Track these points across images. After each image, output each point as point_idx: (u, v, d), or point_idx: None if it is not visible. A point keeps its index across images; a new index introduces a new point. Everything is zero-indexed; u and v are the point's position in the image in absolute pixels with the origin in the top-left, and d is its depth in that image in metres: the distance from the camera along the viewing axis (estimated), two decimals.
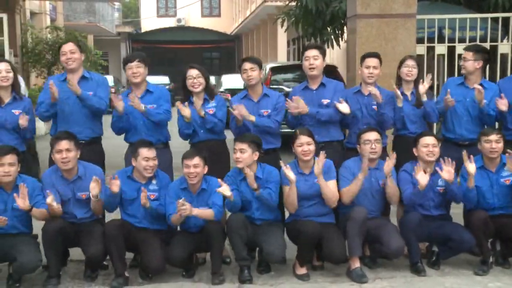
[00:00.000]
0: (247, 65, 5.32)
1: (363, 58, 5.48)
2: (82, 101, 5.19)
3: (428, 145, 5.02)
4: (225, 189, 4.74)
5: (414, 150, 5.09)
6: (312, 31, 11.11)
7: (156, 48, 36.94)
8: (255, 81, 5.34)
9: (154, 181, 4.98)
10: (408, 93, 5.46)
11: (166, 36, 36.59)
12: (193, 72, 5.29)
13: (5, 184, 4.72)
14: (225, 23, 38.47)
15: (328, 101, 5.33)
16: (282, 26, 12.53)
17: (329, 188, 4.93)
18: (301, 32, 11.63)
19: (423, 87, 5.35)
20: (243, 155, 4.89)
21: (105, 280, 4.85)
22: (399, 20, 7.21)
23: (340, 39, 11.33)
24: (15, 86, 5.24)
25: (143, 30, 39.28)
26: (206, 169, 4.90)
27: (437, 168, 5.00)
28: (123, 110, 5.17)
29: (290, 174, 4.82)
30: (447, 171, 4.87)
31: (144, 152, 4.87)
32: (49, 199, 4.61)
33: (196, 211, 4.73)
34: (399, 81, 5.50)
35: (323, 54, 5.40)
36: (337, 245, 4.86)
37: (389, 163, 4.97)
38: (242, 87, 14.45)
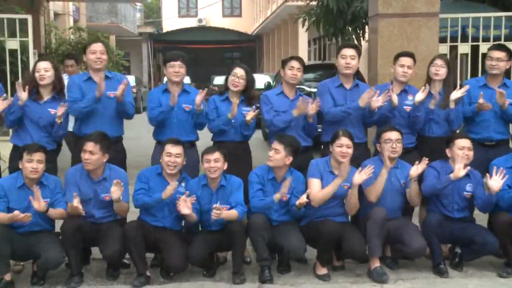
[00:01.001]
0: (295, 64, 5.34)
1: (397, 56, 5.46)
2: (122, 105, 5.29)
3: (464, 148, 4.95)
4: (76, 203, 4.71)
5: (447, 150, 5.03)
6: (333, 31, 11.08)
7: (177, 48, 37.04)
8: (297, 81, 5.39)
9: (183, 184, 4.98)
10: (435, 93, 5.41)
11: (187, 36, 36.75)
12: (238, 71, 5.31)
13: (29, 182, 4.78)
14: (246, 23, 38.54)
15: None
16: (303, 25, 12.51)
17: (357, 198, 4.92)
18: (322, 32, 11.60)
19: (456, 94, 5.28)
20: (276, 156, 4.90)
21: (126, 278, 4.89)
22: (422, 19, 7.15)
23: (361, 38, 11.27)
24: (56, 86, 5.29)
25: (164, 31, 39.49)
26: (225, 165, 4.91)
27: (467, 172, 4.93)
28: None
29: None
30: (497, 181, 4.78)
31: (168, 147, 4.90)
32: (76, 202, 4.66)
33: (223, 214, 4.74)
34: (429, 80, 5.44)
35: (359, 55, 5.40)
36: (357, 241, 4.85)
37: (418, 168, 4.91)
38: (262, 87, 14.54)
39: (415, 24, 7.14)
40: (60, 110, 5.15)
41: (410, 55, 5.46)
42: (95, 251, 5.13)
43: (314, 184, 4.94)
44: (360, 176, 4.81)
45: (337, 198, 4.96)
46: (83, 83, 5.33)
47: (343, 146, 4.92)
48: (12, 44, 8.40)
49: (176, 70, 5.31)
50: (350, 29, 11.04)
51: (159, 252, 5.00)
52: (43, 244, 4.68)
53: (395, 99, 5.24)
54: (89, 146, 4.84)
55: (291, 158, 4.93)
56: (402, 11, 7.14)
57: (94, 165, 4.87)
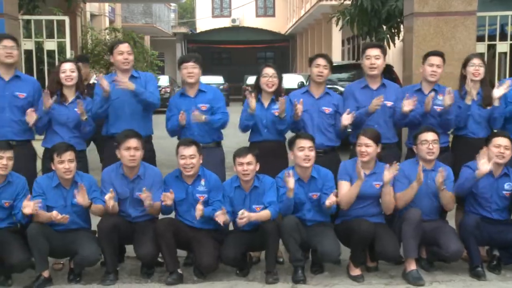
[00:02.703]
0: (321, 61, 5.32)
1: (426, 56, 5.39)
2: (136, 96, 5.26)
3: (500, 146, 4.86)
4: (108, 198, 4.74)
5: (484, 149, 4.95)
6: (368, 30, 10.98)
7: (211, 48, 37.33)
8: (323, 79, 5.36)
9: (202, 182, 5.00)
10: (474, 92, 5.31)
11: (220, 36, 36.91)
12: (269, 71, 5.31)
13: (64, 181, 4.86)
14: (279, 23, 38.54)
15: (392, 103, 5.27)
16: (336, 25, 12.43)
17: (391, 196, 4.87)
18: (356, 31, 11.51)
19: (499, 91, 5.19)
20: (312, 153, 4.89)
21: (161, 276, 4.93)
22: (458, 18, 7.04)
23: (396, 38, 11.16)
24: (79, 86, 5.36)
25: (198, 31, 39.75)
26: (258, 167, 4.91)
27: (505, 170, 4.86)
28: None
29: (362, 172, 4.77)
30: None
31: (181, 150, 4.93)
32: (107, 196, 4.72)
33: (255, 216, 4.75)
34: (463, 80, 5.35)
35: (385, 53, 5.35)
36: (390, 242, 4.81)
37: (439, 177, 4.80)
38: (296, 86, 14.52)
39: (451, 23, 7.04)
40: (80, 108, 5.17)
41: (439, 54, 5.38)
42: (130, 249, 5.19)
43: (343, 186, 4.93)
44: (389, 174, 4.76)
45: (369, 198, 4.92)
46: (110, 84, 5.33)
47: (361, 146, 4.89)
48: (50, 45, 8.54)
49: (189, 71, 5.31)
50: (384, 28, 10.93)
51: (191, 251, 5.04)
52: (79, 242, 4.75)
53: (428, 105, 5.16)
54: (133, 142, 4.87)
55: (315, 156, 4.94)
56: (438, 10, 7.05)
57: (139, 162, 4.91)
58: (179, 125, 5.29)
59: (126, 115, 5.33)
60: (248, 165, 4.85)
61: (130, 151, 4.86)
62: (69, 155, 4.80)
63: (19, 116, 5.28)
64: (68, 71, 5.27)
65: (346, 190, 4.89)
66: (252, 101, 5.18)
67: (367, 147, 4.88)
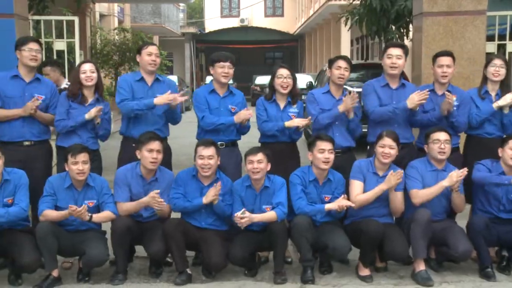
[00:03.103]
0: (342, 63, 5.29)
1: (436, 57, 5.35)
2: (173, 113, 5.37)
3: None
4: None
5: (499, 150, 4.92)
6: (376, 30, 10.95)
7: (220, 48, 37.24)
8: (344, 82, 5.35)
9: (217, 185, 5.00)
10: (493, 93, 5.28)
11: (229, 36, 36.92)
12: (284, 72, 5.29)
13: (76, 182, 4.87)
14: (288, 23, 38.51)
15: None
16: (345, 25, 12.42)
17: (399, 200, 4.86)
18: (365, 31, 11.48)
19: (498, 103, 5.17)
20: (332, 156, 4.89)
21: (169, 276, 4.94)
22: (468, 18, 7.00)
23: (405, 37, 11.12)
24: (98, 87, 5.37)
25: (207, 31, 39.80)
26: (269, 166, 4.91)
27: None
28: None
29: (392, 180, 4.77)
30: None
31: (200, 150, 4.93)
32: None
33: (258, 217, 4.75)
34: (485, 80, 5.32)
35: (406, 54, 5.31)
36: (399, 242, 4.80)
37: (453, 177, 4.76)
38: (304, 86, 14.50)
39: (461, 22, 7.00)
40: (94, 112, 5.17)
41: (449, 54, 5.34)
42: (139, 249, 5.21)
43: (356, 186, 4.91)
44: (393, 180, 4.75)
45: (380, 199, 4.91)
46: (135, 83, 5.37)
47: (385, 147, 4.87)
48: (59, 45, 8.57)
49: (226, 71, 5.31)
50: (393, 28, 10.90)
51: (200, 251, 5.04)
52: (88, 242, 4.77)
53: (445, 108, 5.13)
54: (156, 145, 4.88)
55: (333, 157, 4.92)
56: (448, 9, 7.00)
57: (159, 164, 4.93)
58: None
59: (147, 116, 5.32)
60: (259, 163, 4.84)
61: (152, 153, 4.88)
62: (83, 156, 4.81)
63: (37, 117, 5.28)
64: (88, 71, 5.28)
65: (359, 190, 4.88)
66: (293, 122, 5.21)
67: (391, 148, 4.87)
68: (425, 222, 4.74)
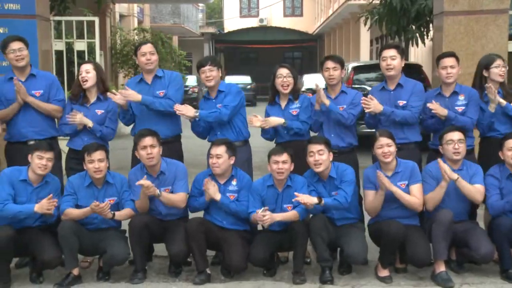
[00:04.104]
0: (329, 64, 5.29)
1: (438, 59, 5.32)
2: (146, 106, 5.25)
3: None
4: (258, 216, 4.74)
5: (499, 153, 4.88)
6: (396, 29, 10.90)
7: (239, 48, 37.39)
8: (336, 81, 5.32)
9: (234, 182, 5.02)
10: (499, 100, 5.21)
11: (248, 36, 36.95)
12: (283, 71, 5.30)
13: (96, 180, 4.91)
14: (307, 23, 38.43)
15: (404, 102, 5.20)
16: (365, 24, 12.38)
17: (407, 197, 4.82)
18: (384, 31, 11.43)
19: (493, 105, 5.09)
20: (322, 157, 4.86)
21: (188, 276, 4.95)
22: (490, 17, 6.93)
23: (425, 37, 11.04)
24: (100, 87, 5.34)
25: (226, 31, 39.86)
26: (292, 166, 4.90)
27: None
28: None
29: (385, 180, 4.73)
30: None
31: (211, 149, 4.96)
32: (142, 181, 4.71)
33: (280, 217, 4.74)
34: (485, 82, 5.23)
35: (401, 53, 5.27)
36: (421, 247, 4.75)
37: (442, 166, 4.72)
38: (323, 86, 14.45)
39: (482, 21, 6.93)
40: (76, 117, 5.14)
41: (451, 54, 5.29)
42: (158, 249, 5.23)
43: (369, 196, 4.92)
44: (384, 179, 4.72)
45: (396, 200, 4.85)
46: (136, 85, 5.39)
47: (383, 147, 4.85)
48: (80, 45, 8.66)
49: (207, 74, 5.27)
50: (413, 27, 10.83)
51: (220, 251, 5.05)
52: (109, 241, 4.80)
53: (443, 112, 5.10)
54: (148, 140, 4.89)
55: (332, 155, 4.93)
56: (469, 8, 6.94)
57: (157, 159, 4.94)
58: (195, 124, 5.32)
59: (151, 116, 5.32)
60: (284, 163, 4.84)
61: (146, 150, 4.88)
62: (99, 154, 4.84)
63: (38, 114, 5.30)
64: (83, 72, 5.28)
65: (372, 199, 4.88)
66: (255, 121, 5.26)
67: (389, 146, 4.85)
68: (447, 223, 4.70)
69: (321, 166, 4.86)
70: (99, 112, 5.30)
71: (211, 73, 5.28)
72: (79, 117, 5.16)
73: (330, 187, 4.95)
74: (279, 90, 5.32)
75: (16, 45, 5.22)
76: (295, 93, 5.36)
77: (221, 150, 4.92)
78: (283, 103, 5.34)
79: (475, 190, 4.82)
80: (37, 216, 4.79)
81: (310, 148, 4.89)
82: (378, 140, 4.88)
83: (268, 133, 5.38)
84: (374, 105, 5.10)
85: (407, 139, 5.20)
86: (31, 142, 5.21)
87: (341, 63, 5.32)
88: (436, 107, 5.08)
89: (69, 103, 5.36)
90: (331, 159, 4.92)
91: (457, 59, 5.27)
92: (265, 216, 4.67)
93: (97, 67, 5.40)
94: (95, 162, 4.83)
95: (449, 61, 5.23)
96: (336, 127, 5.24)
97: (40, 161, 4.77)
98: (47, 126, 5.36)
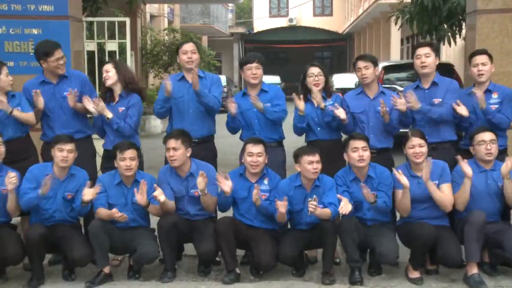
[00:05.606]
0: (360, 64, 5.28)
1: (471, 57, 5.25)
2: (199, 96, 5.27)
3: None
4: (158, 194, 4.75)
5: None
6: (428, 29, 10.75)
7: (268, 48, 37.34)
8: (370, 80, 5.28)
9: (266, 181, 5.02)
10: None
11: (277, 36, 36.94)
12: (314, 70, 5.31)
13: (126, 179, 4.96)
14: (337, 22, 38.24)
15: (440, 100, 5.15)
16: (395, 24, 12.22)
17: (440, 193, 4.78)
18: (415, 30, 11.29)
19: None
20: (366, 153, 4.86)
21: (217, 275, 4.97)
22: None
23: (457, 36, 10.88)
24: (122, 85, 5.31)
25: (255, 31, 39.90)
26: (320, 166, 4.87)
27: None
28: (235, 112, 5.25)
29: (403, 179, 4.70)
30: None
31: (249, 147, 4.95)
32: (156, 192, 4.76)
33: (319, 211, 4.73)
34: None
35: (435, 51, 5.23)
36: (452, 248, 4.69)
37: (508, 164, 4.67)
38: (353, 86, 14.38)
39: None
40: (99, 104, 5.16)
41: (483, 52, 5.22)
42: (187, 248, 5.26)
43: (398, 195, 4.87)
44: (425, 170, 4.67)
45: (427, 199, 4.82)
46: (177, 83, 5.42)
47: (415, 147, 4.81)
48: (111, 45, 8.75)
49: (253, 72, 5.31)
50: (445, 26, 10.68)
51: (250, 250, 5.05)
52: (139, 240, 4.85)
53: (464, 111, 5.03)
54: (171, 143, 4.94)
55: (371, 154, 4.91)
56: (504, 6, 6.80)
57: (180, 161, 4.96)
58: (233, 118, 5.31)
59: (189, 114, 5.37)
60: (317, 163, 4.83)
61: (169, 152, 4.94)
62: (130, 152, 4.90)
63: (72, 115, 5.35)
64: (104, 72, 5.35)
65: (399, 197, 4.84)
66: (300, 104, 5.21)
67: (421, 147, 4.81)
68: (480, 225, 4.63)
69: (364, 162, 4.85)
70: (121, 109, 5.33)
71: (257, 70, 5.34)
72: (101, 105, 5.21)
73: (369, 187, 4.91)
74: (312, 89, 5.30)
75: (59, 53, 5.26)
76: (328, 90, 5.35)
77: (261, 148, 4.95)
78: (318, 95, 5.27)
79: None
80: (67, 209, 4.88)
81: (354, 144, 4.88)
82: (410, 140, 4.84)
83: (304, 122, 5.29)
84: (413, 101, 5.03)
85: (443, 138, 5.15)
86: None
87: (373, 61, 5.30)
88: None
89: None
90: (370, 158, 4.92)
91: (490, 56, 5.20)
92: (313, 205, 4.60)
93: (117, 66, 5.41)
94: (127, 160, 4.88)
95: (481, 59, 5.16)
96: (375, 129, 5.21)
97: (60, 154, 4.84)
98: (81, 126, 5.42)
